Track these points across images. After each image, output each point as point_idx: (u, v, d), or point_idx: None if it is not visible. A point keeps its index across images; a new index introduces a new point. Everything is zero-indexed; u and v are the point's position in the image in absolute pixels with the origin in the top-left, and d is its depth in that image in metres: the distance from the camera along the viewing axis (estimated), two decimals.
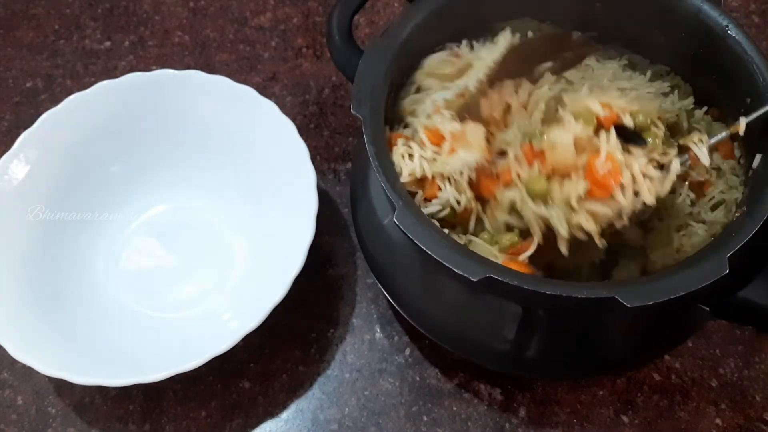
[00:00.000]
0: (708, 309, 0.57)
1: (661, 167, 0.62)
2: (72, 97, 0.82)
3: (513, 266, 0.59)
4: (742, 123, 0.64)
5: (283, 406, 0.76)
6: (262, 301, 0.71)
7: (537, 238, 0.62)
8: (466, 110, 0.69)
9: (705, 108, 0.72)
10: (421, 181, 0.66)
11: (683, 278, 0.53)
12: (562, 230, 0.60)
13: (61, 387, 0.77)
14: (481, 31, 0.75)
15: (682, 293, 0.52)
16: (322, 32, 1.01)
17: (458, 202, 0.65)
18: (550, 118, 0.68)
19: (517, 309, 0.62)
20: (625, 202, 0.59)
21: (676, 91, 0.73)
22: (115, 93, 0.82)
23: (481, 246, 0.64)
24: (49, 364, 0.68)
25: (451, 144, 0.66)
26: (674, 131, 0.70)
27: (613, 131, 0.61)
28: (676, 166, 0.62)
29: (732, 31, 0.66)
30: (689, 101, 0.73)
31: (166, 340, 0.76)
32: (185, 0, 1.05)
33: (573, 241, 0.61)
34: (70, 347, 0.72)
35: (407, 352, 0.78)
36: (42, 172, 0.80)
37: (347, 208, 0.86)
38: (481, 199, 0.66)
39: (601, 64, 0.76)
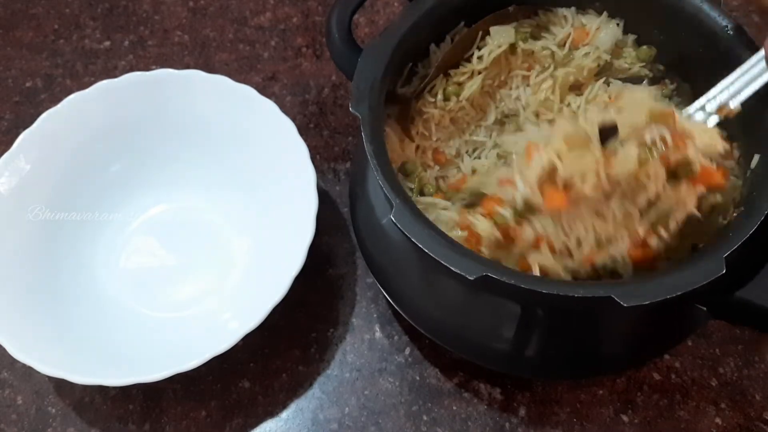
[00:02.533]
0: (705, 309, 0.58)
1: None
2: (72, 96, 0.82)
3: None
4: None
5: (283, 406, 0.76)
6: (262, 301, 0.71)
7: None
8: None
9: None
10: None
11: (680, 278, 0.53)
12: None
13: (61, 387, 0.77)
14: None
15: (679, 293, 0.52)
16: (321, 32, 1.01)
17: None
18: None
19: (515, 308, 0.62)
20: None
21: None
22: (114, 93, 0.82)
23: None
24: (49, 364, 0.68)
25: None
26: None
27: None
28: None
29: (732, 31, 0.66)
30: None
31: (166, 340, 0.76)
32: (185, 0, 1.05)
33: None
34: (70, 347, 0.72)
35: (407, 351, 0.78)
36: (42, 172, 0.80)
37: (347, 207, 0.86)
38: None
39: None
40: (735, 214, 0.60)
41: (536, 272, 0.60)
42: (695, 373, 0.75)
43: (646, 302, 0.52)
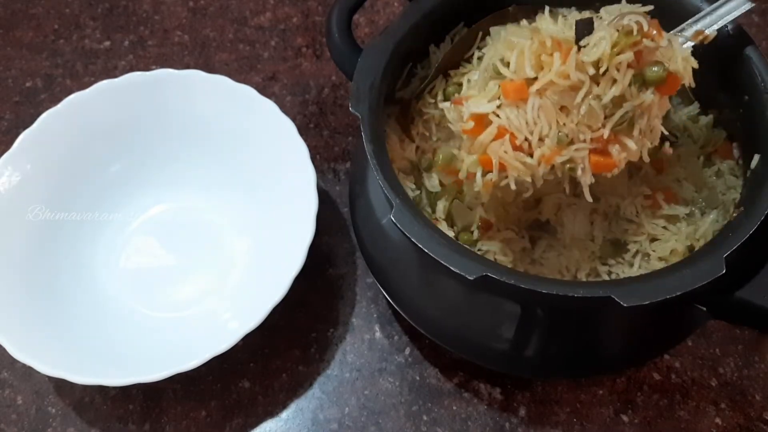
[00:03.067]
0: (705, 309, 0.57)
1: None
2: (72, 96, 0.82)
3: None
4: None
5: (283, 406, 0.76)
6: (262, 301, 0.71)
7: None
8: None
9: (711, 116, 0.72)
10: None
11: (680, 278, 0.53)
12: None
13: (61, 387, 0.77)
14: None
15: (679, 293, 0.52)
16: (321, 32, 1.01)
17: None
18: None
19: (515, 308, 0.62)
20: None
21: None
22: (114, 93, 0.83)
23: None
24: (49, 364, 0.68)
25: None
26: None
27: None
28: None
29: (732, 32, 0.66)
30: (695, 107, 0.73)
31: (166, 340, 0.76)
32: (185, 0, 1.05)
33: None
34: (70, 347, 0.72)
35: (407, 351, 0.78)
36: (42, 172, 0.80)
37: (347, 207, 0.86)
38: None
39: None
40: (735, 214, 0.60)
41: (495, 167, 0.60)
42: (695, 373, 0.75)
43: (646, 302, 0.52)
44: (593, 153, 0.59)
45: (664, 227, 0.69)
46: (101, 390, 0.76)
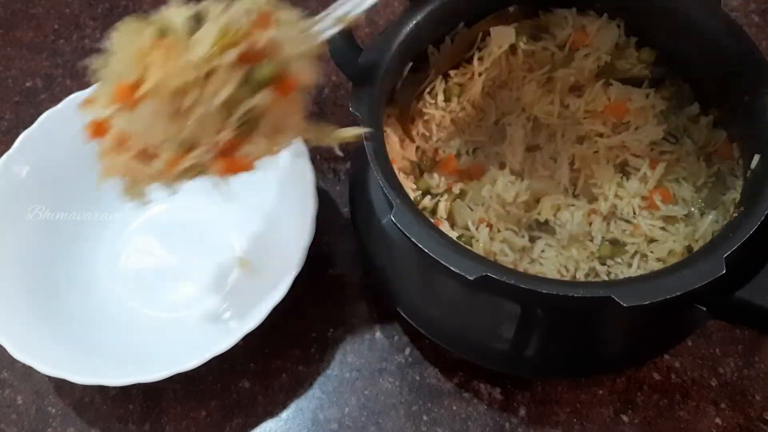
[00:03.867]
0: (705, 309, 0.57)
1: None
2: (72, 96, 0.81)
3: None
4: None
5: (283, 406, 0.76)
6: (261, 301, 0.71)
7: None
8: None
9: (710, 116, 0.72)
10: None
11: (680, 278, 0.53)
12: None
13: (61, 387, 0.77)
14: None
15: (679, 293, 0.52)
16: None
17: None
18: None
19: (515, 308, 0.62)
20: None
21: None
22: None
23: None
24: (49, 364, 0.68)
25: None
26: None
27: None
28: None
29: (731, 32, 0.66)
30: (695, 107, 0.73)
31: (166, 340, 0.76)
32: (185, 0, 1.05)
33: None
34: (70, 347, 0.72)
35: (407, 351, 0.78)
36: (42, 172, 0.80)
37: (347, 207, 0.85)
38: None
39: None
40: (735, 214, 0.60)
41: (106, 176, 0.56)
42: (695, 373, 0.75)
43: (646, 302, 0.52)
44: (222, 156, 0.55)
45: (662, 228, 0.69)
46: (101, 390, 0.76)
